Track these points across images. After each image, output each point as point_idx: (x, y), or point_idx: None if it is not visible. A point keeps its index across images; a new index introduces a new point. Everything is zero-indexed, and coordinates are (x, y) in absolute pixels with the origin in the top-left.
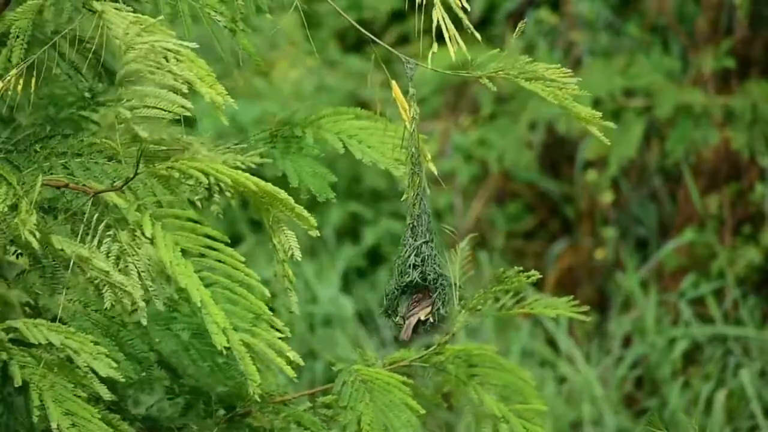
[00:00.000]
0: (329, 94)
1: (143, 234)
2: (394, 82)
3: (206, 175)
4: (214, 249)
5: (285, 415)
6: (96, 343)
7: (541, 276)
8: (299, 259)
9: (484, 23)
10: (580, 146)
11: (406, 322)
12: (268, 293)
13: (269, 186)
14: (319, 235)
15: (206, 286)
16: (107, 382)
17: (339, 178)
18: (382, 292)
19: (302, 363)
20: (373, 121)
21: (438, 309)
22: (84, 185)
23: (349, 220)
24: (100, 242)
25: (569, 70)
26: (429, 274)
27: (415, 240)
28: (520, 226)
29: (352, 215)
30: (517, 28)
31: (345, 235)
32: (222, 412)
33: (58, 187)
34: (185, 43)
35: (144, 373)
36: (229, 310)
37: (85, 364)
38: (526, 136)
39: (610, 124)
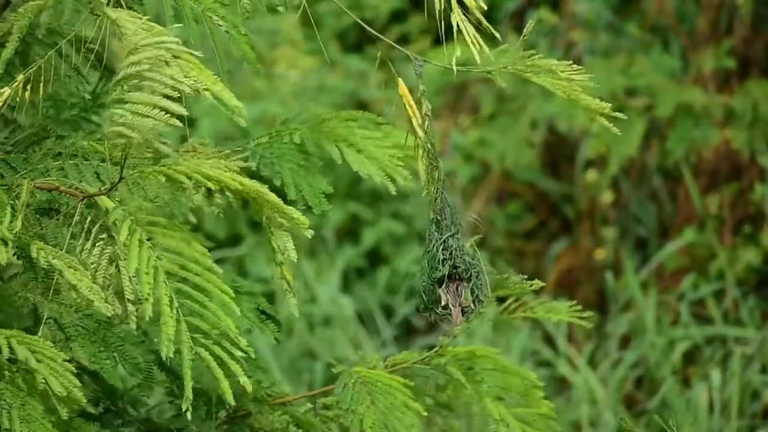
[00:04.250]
0: (330, 95)
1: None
2: (400, 80)
3: (190, 178)
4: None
5: (284, 416)
6: (68, 360)
7: (543, 284)
8: (295, 260)
9: None
10: (581, 146)
11: (454, 310)
12: (238, 311)
13: (255, 186)
14: (313, 235)
15: (176, 296)
16: (105, 385)
17: (339, 178)
18: (417, 288)
19: (250, 389)
20: (374, 124)
21: (477, 296)
22: (77, 188)
23: (348, 221)
24: (93, 245)
25: (578, 66)
26: (459, 266)
27: (441, 234)
28: (520, 225)
29: (352, 216)
30: (526, 28)
31: (345, 235)
32: (223, 413)
33: (50, 190)
34: (190, 51)
35: (140, 376)
36: (193, 324)
37: (42, 381)
38: (527, 136)
39: (621, 115)
